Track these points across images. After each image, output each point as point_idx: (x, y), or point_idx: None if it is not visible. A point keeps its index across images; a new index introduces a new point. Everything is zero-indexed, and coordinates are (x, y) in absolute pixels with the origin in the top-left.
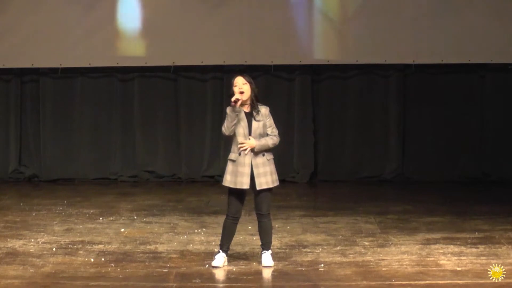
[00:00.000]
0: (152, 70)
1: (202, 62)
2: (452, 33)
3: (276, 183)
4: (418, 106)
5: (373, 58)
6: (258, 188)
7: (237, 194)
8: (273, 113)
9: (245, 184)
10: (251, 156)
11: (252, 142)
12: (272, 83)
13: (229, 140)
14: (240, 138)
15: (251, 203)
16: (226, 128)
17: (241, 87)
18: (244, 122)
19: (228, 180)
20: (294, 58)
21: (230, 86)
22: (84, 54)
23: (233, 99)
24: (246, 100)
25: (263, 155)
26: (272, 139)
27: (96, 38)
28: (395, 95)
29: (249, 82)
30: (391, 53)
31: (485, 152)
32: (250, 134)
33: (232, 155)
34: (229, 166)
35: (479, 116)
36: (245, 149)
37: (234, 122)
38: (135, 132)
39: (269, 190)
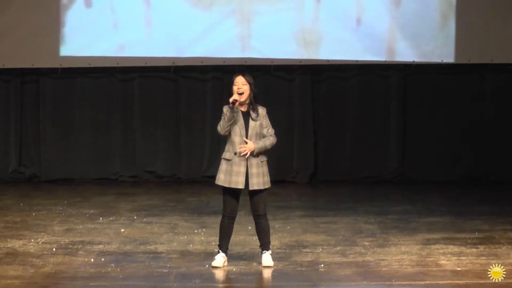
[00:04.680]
0: (152, 70)
1: (202, 62)
2: (452, 33)
3: (268, 185)
4: (418, 106)
5: (373, 58)
6: (250, 188)
7: (232, 193)
8: (273, 113)
9: (240, 184)
10: (247, 156)
11: (251, 145)
12: (272, 83)
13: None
14: (236, 138)
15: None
16: (221, 127)
17: (241, 87)
18: (240, 122)
19: (222, 179)
20: (294, 58)
21: (230, 85)
22: (83, 54)
23: (231, 99)
24: (244, 100)
25: (258, 156)
26: (269, 140)
27: (95, 37)
28: (395, 95)
29: (249, 83)
30: (391, 53)
31: (485, 152)
32: (246, 133)
33: (227, 154)
34: (223, 165)
35: (479, 116)
36: (246, 154)
37: (231, 122)
38: (135, 132)
39: (264, 190)
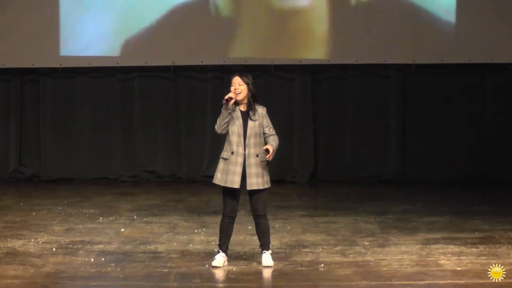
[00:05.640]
0: (152, 70)
1: (202, 62)
2: (452, 33)
3: (267, 185)
4: (418, 106)
5: (373, 58)
6: (248, 188)
7: (231, 193)
8: (273, 113)
9: (235, 183)
10: (244, 156)
11: (271, 148)
12: (272, 83)
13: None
14: (234, 137)
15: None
16: (218, 126)
17: (237, 87)
18: (239, 121)
19: (219, 178)
20: (294, 58)
21: (230, 85)
22: (83, 54)
23: (226, 97)
24: (242, 100)
25: (257, 156)
26: (276, 140)
27: (95, 37)
28: (395, 95)
29: (246, 83)
30: (391, 53)
31: (485, 152)
32: (245, 133)
33: (225, 154)
34: (221, 164)
35: (479, 116)
36: (271, 156)
37: (226, 120)
38: (135, 132)
39: (263, 190)
